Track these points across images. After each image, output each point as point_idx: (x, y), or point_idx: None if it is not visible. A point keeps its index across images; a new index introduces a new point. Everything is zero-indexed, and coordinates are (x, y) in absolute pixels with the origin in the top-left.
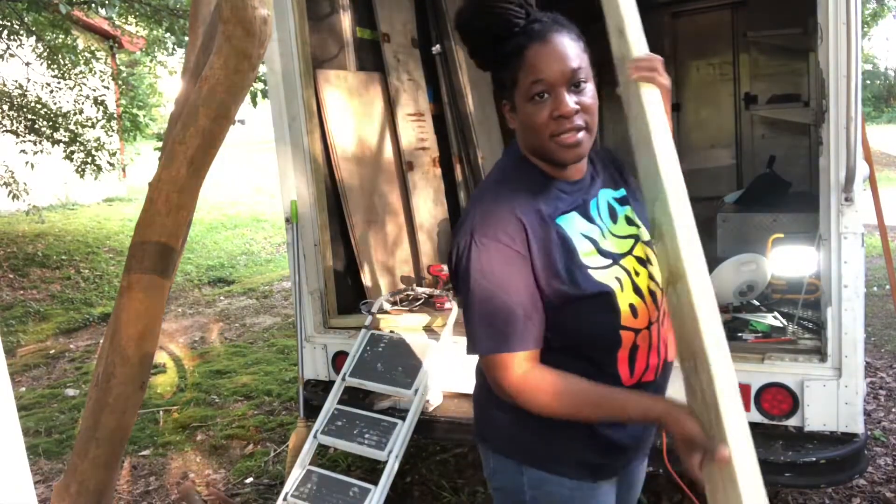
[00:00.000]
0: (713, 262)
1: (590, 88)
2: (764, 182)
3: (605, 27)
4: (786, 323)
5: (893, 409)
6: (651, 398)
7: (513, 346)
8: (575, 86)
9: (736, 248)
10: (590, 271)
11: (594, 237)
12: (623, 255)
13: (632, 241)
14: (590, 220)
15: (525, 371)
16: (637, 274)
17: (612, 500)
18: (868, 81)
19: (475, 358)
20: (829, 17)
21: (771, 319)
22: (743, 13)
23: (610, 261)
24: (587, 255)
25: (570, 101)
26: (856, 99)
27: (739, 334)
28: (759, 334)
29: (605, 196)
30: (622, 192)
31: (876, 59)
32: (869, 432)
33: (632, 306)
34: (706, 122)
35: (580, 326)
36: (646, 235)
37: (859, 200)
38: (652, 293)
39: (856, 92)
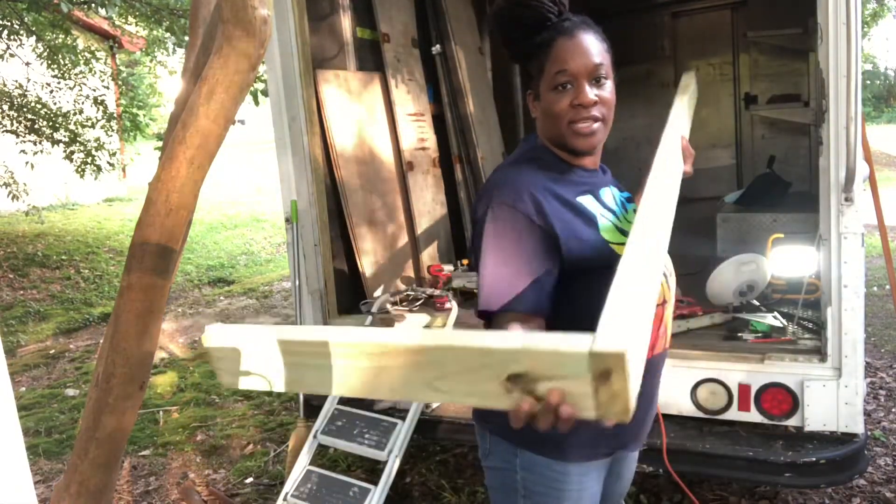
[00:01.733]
0: (713, 262)
1: (609, 85)
2: (764, 182)
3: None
4: (786, 323)
5: (893, 409)
6: None
7: (512, 306)
8: (596, 80)
9: (736, 248)
10: (611, 246)
11: (611, 219)
12: None
13: None
14: (604, 205)
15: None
16: None
17: (598, 487)
18: (868, 81)
19: None
20: (829, 17)
21: (771, 319)
22: (743, 13)
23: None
24: (606, 231)
25: (591, 92)
26: (856, 99)
27: (739, 334)
28: (759, 334)
29: (615, 192)
30: (627, 193)
31: (876, 59)
32: (869, 432)
33: None
34: (706, 122)
35: (595, 299)
36: None
37: (859, 200)
38: (665, 275)
39: (856, 92)
